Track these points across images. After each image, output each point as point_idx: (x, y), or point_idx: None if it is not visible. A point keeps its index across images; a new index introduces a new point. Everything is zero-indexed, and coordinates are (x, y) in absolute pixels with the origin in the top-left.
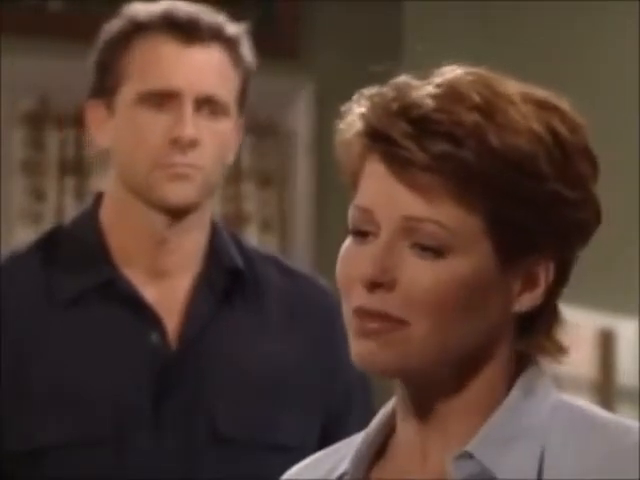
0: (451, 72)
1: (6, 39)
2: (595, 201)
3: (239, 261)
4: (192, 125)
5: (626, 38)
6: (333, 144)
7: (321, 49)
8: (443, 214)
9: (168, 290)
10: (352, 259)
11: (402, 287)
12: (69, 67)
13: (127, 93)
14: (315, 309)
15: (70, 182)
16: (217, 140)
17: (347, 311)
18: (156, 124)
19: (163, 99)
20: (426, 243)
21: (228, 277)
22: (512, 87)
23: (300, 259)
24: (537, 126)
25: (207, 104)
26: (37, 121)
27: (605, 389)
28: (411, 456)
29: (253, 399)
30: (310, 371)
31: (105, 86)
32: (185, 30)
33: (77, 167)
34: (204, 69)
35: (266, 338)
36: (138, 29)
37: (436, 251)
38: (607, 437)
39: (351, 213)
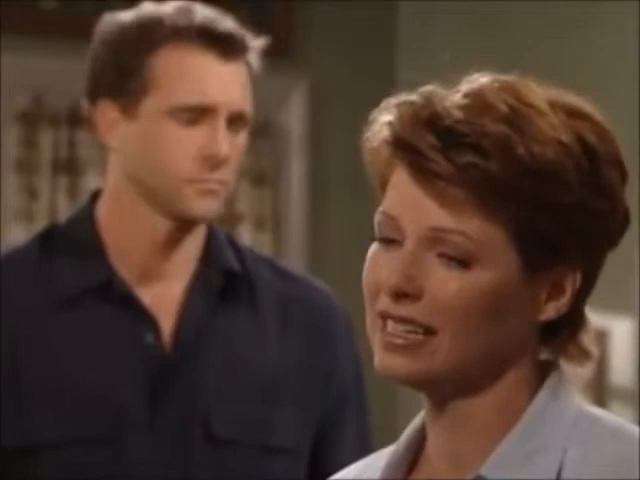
0: (479, 80)
1: (1, 38)
2: (624, 208)
3: (234, 263)
4: (227, 143)
5: (622, 35)
6: (327, 143)
7: (315, 48)
8: (469, 225)
9: (164, 291)
10: (378, 267)
11: (428, 296)
12: (63, 66)
13: (155, 103)
14: (311, 311)
15: (63, 181)
16: (238, 153)
17: (372, 316)
18: (188, 139)
19: (196, 114)
20: (452, 254)
21: (223, 279)
22: (540, 95)
23: (294, 258)
24: (565, 136)
25: (237, 120)
26: (31, 120)
27: (599, 388)
28: (444, 466)
29: (248, 400)
30: (306, 373)
31: (123, 88)
32: (222, 45)
33: (70, 166)
34: (236, 85)
35: (261, 340)
36: (170, 35)
37: (462, 262)
38: (626, 450)
39: (377, 219)
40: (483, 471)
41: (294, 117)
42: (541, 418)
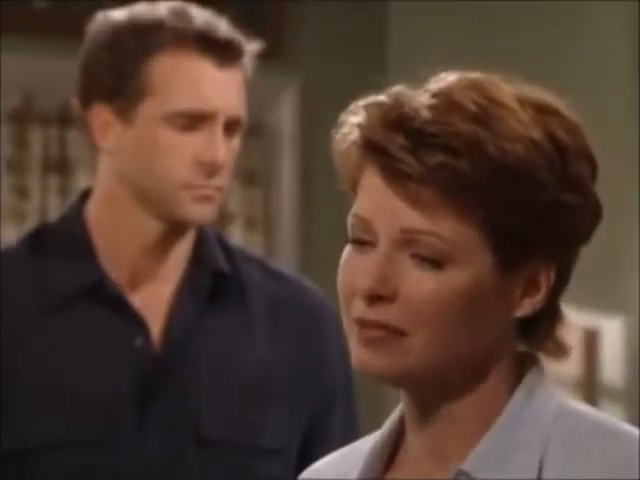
0: (446, 79)
1: None
2: (595, 201)
3: (224, 264)
4: (224, 149)
5: (613, 37)
6: (318, 143)
7: (307, 49)
8: (441, 226)
9: (154, 293)
10: (352, 269)
11: (402, 298)
12: (53, 65)
13: (152, 108)
14: (301, 311)
15: (54, 180)
16: (232, 158)
17: (347, 321)
18: (184, 145)
19: (193, 120)
20: (425, 254)
21: (213, 280)
22: (508, 92)
23: (285, 258)
24: (536, 133)
25: (233, 125)
26: (21, 119)
27: (589, 387)
28: (424, 461)
29: (237, 401)
30: (295, 373)
31: (119, 92)
32: (220, 51)
33: (61, 165)
34: (233, 90)
35: (251, 341)
36: (168, 40)
37: (435, 262)
38: (608, 445)
39: (350, 221)
40: (465, 467)
41: (285, 117)
42: (520, 414)
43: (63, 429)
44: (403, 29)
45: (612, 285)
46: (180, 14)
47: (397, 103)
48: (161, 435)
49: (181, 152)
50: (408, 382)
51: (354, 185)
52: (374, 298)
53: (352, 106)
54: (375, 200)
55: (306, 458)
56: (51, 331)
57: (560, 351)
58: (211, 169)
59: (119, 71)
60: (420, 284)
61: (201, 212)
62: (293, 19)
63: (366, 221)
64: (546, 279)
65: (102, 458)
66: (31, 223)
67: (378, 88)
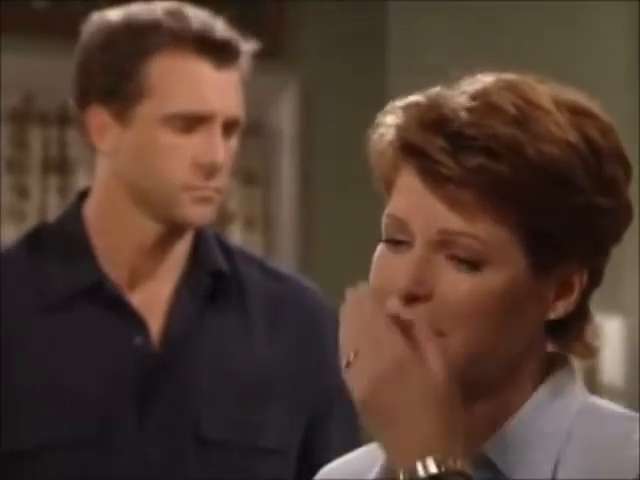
0: (482, 80)
1: None
2: (627, 202)
3: (223, 264)
4: (222, 150)
5: (613, 37)
6: (317, 143)
7: (306, 48)
8: (479, 228)
9: (153, 293)
10: (387, 269)
11: (438, 298)
12: (53, 65)
13: (150, 110)
14: (298, 311)
15: (53, 180)
16: (230, 158)
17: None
18: (183, 147)
19: (192, 121)
20: (462, 256)
21: (212, 280)
22: (544, 93)
23: (284, 258)
24: (572, 136)
25: (231, 125)
26: (21, 119)
27: (589, 386)
28: None
29: (237, 401)
30: (294, 373)
31: (116, 94)
32: (218, 52)
33: (60, 165)
34: (231, 91)
35: (250, 340)
36: (165, 41)
37: (472, 264)
38: (627, 447)
39: (385, 221)
40: (485, 449)
41: (285, 117)
42: (543, 408)
43: (62, 429)
44: (403, 29)
45: (612, 285)
46: (177, 15)
47: (435, 104)
48: (161, 435)
49: (180, 153)
50: None
51: (389, 186)
52: (410, 298)
53: (388, 106)
54: (412, 201)
55: (305, 458)
56: (50, 331)
57: (588, 353)
58: (210, 170)
59: (116, 72)
60: (456, 285)
61: (201, 213)
62: (293, 19)
63: (402, 221)
64: (579, 281)
65: (101, 458)
66: (31, 223)
67: (378, 88)
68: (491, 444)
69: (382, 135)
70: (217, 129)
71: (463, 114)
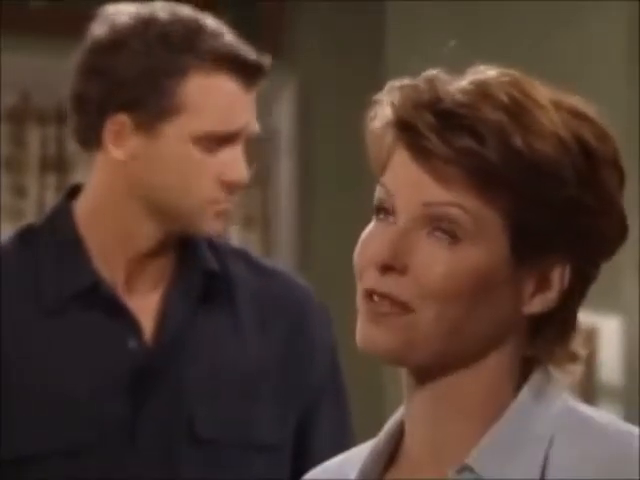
0: (485, 72)
1: None
2: (619, 212)
3: (213, 263)
4: (246, 168)
5: (614, 37)
6: (316, 143)
7: (304, 49)
8: (465, 200)
9: (146, 295)
10: (370, 241)
11: (413, 272)
12: (51, 64)
13: (180, 127)
14: (285, 306)
15: (51, 179)
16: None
17: (359, 293)
18: (210, 165)
19: (220, 139)
20: (444, 227)
21: (203, 279)
22: (544, 92)
23: (282, 258)
24: (564, 133)
25: (248, 140)
26: (19, 118)
27: (587, 386)
28: (424, 455)
29: (230, 400)
30: (284, 369)
31: (144, 106)
32: (249, 73)
33: (58, 164)
34: (253, 109)
35: (240, 338)
36: (201, 60)
37: (453, 235)
38: (609, 443)
39: (377, 191)
40: (469, 461)
41: (284, 117)
42: (527, 412)
43: (57, 434)
44: (403, 29)
45: (610, 284)
46: (212, 32)
47: (431, 85)
48: (155, 436)
49: (208, 170)
50: (410, 361)
51: (383, 166)
52: (386, 268)
53: (387, 86)
54: (400, 174)
55: (296, 455)
56: (46, 335)
57: (569, 360)
58: (236, 188)
59: (149, 85)
60: (432, 259)
61: (220, 226)
62: (292, 19)
63: (389, 193)
64: (559, 278)
65: (97, 459)
66: (29, 222)
67: (376, 89)
68: (476, 455)
69: (378, 114)
70: (241, 147)
71: (457, 95)
